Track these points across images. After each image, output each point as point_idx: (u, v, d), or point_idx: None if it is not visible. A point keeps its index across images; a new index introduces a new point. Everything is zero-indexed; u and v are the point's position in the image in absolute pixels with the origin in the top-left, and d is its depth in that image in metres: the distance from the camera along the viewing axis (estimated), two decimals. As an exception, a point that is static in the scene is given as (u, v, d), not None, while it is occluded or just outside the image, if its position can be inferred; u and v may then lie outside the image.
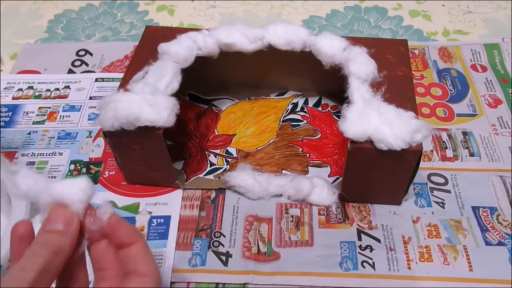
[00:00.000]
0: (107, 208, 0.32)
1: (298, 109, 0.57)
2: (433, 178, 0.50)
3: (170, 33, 0.49)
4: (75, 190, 0.31)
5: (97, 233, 0.32)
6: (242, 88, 0.59)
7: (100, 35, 0.70)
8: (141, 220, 0.47)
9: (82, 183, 0.31)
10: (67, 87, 0.61)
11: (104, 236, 0.32)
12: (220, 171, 0.51)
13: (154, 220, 0.47)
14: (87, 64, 0.65)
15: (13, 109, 0.58)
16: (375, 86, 0.44)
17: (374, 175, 0.44)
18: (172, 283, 0.43)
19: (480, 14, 0.72)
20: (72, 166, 0.52)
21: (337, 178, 0.50)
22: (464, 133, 0.54)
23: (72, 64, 0.65)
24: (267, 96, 0.59)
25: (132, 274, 0.31)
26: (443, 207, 0.48)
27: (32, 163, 0.52)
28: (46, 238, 0.30)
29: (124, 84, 0.45)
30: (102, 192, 0.49)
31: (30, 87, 0.61)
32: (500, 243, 0.45)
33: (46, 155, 0.53)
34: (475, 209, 0.48)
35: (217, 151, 0.53)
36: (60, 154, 0.53)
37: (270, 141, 0.54)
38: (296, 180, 0.48)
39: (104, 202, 0.32)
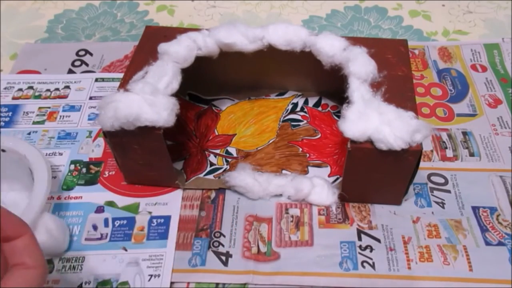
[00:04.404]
0: None
1: (298, 109, 0.57)
2: (433, 178, 0.50)
3: (170, 33, 0.49)
4: None
5: None
6: (242, 88, 0.59)
7: (100, 35, 0.70)
8: (141, 220, 0.47)
9: None
10: (67, 87, 0.61)
11: None
12: (220, 171, 0.51)
13: (154, 220, 0.47)
14: (87, 64, 0.65)
15: (13, 109, 0.58)
16: (375, 86, 0.44)
17: (374, 175, 0.44)
18: (172, 283, 0.43)
19: (480, 14, 0.72)
20: (72, 166, 0.52)
21: (337, 178, 0.50)
22: (464, 133, 0.54)
23: (72, 64, 0.65)
24: (267, 96, 0.59)
25: (18, 267, 0.29)
26: (443, 207, 0.48)
27: (32, 163, 0.52)
28: None
29: (124, 84, 0.45)
30: (102, 192, 0.49)
31: (30, 87, 0.61)
32: (500, 243, 0.45)
33: (46, 155, 0.53)
34: (475, 209, 0.48)
35: (217, 151, 0.53)
36: (60, 154, 0.53)
37: (270, 141, 0.54)
38: (296, 180, 0.48)
39: None
